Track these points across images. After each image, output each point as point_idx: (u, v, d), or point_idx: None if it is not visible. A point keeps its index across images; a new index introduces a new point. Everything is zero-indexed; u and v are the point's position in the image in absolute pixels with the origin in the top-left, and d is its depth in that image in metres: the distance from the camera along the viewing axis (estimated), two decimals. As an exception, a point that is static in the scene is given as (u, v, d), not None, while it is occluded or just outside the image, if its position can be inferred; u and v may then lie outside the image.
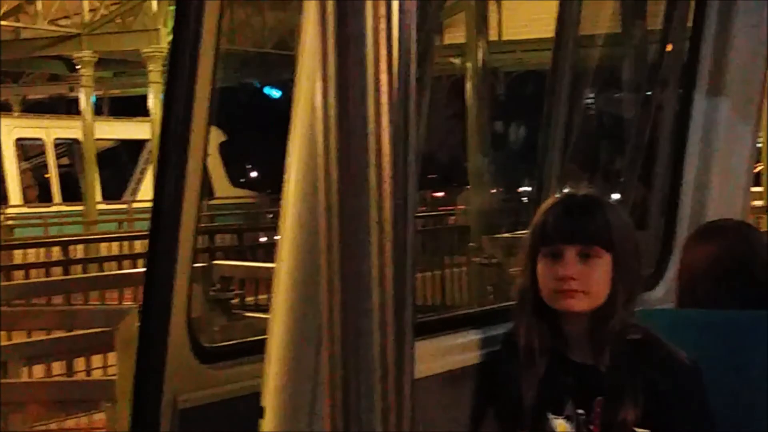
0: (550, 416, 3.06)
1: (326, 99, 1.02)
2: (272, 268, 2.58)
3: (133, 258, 13.67)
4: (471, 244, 12.18)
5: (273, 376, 2.49)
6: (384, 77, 1.02)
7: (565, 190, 3.19)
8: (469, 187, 15.77)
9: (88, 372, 6.57)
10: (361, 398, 1.05)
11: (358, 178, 1.03)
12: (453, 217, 19.64)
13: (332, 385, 1.04)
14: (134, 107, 28.90)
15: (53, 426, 5.60)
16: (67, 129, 27.37)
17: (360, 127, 1.03)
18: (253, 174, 40.29)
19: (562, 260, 2.97)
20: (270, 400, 2.49)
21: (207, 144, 2.87)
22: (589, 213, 3.01)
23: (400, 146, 1.06)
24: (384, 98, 1.02)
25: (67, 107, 31.62)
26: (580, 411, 3.04)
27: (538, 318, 3.06)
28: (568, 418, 3.05)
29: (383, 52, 1.01)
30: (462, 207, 18.40)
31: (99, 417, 5.30)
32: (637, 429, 3.01)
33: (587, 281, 2.97)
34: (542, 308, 3.05)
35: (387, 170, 1.04)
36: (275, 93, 32.63)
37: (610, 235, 2.98)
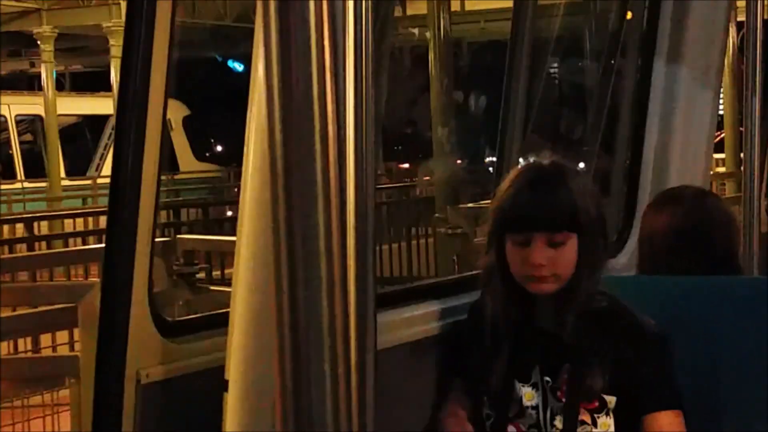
0: (517, 384, 3.08)
1: (269, 71, 1.02)
2: (235, 241, 2.57)
3: (99, 233, 13.59)
4: (436, 214, 12.20)
5: (237, 349, 2.49)
6: (327, 51, 1.02)
7: (531, 159, 3.18)
8: (433, 158, 15.76)
9: (54, 348, 6.55)
10: (312, 370, 1.05)
11: (304, 151, 1.03)
12: (418, 189, 19.63)
13: (281, 355, 1.04)
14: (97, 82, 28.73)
15: (18, 403, 5.58)
16: (29, 105, 27.14)
17: (304, 101, 1.02)
18: (218, 148, 40.12)
19: (530, 247, 2.98)
20: (234, 374, 2.49)
21: (165, 117, 2.85)
22: (555, 195, 3.00)
23: (356, 117, 1.06)
24: (328, 69, 1.02)
25: (29, 83, 31.36)
26: (548, 378, 3.05)
27: (506, 291, 3.08)
28: (534, 386, 3.07)
29: (327, 28, 1.01)
30: (427, 179, 18.40)
31: (64, 394, 5.28)
32: (604, 396, 3.03)
33: (556, 266, 2.99)
34: (510, 283, 3.06)
35: (332, 142, 1.04)
36: (238, 67, 32.48)
37: (577, 217, 2.98)
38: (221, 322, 2.68)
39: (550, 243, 2.98)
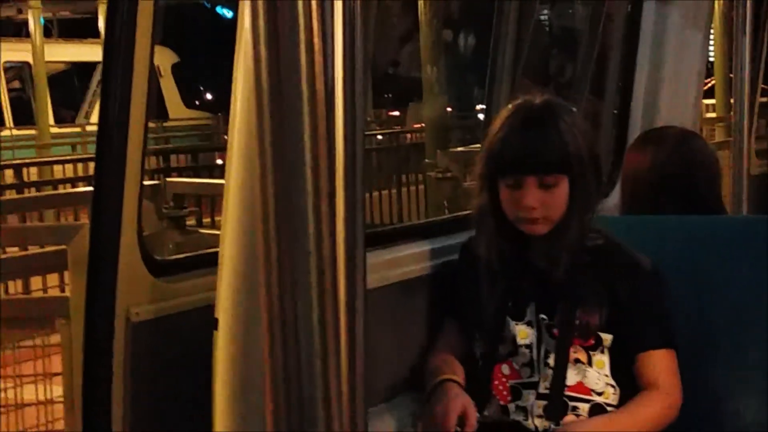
0: (511, 322, 3.08)
1: (255, 14, 1.01)
2: (222, 184, 2.57)
3: (88, 180, 13.57)
4: (426, 159, 12.22)
5: (226, 288, 2.49)
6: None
7: (523, 98, 3.16)
8: (424, 103, 15.70)
9: (45, 290, 6.56)
10: (300, 309, 1.05)
11: (291, 96, 1.03)
12: (409, 135, 19.62)
13: (268, 295, 1.04)
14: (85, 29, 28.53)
15: (9, 346, 5.59)
16: (17, 52, 26.95)
17: (291, 46, 1.02)
18: (208, 95, 39.95)
19: (522, 190, 2.98)
20: (224, 312, 2.49)
21: (152, 63, 2.84)
22: (545, 138, 2.99)
23: (345, 60, 1.06)
24: (315, 12, 1.02)
25: (16, 30, 31.14)
26: (543, 316, 3.06)
27: (499, 231, 3.08)
28: (529, 324, 3.07)
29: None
30: (418, 126, 18.37)
31: (56, 339, 5.29)
32: (600, 333, 3.04)
33: (548, 208, 2.99)
34: (503, 223, 3.07)
35: (320, 85, 1.03)
36: (228, 13, 32.29)
37: (568, 159, 2.97)
38: (211, 261, 2.68)
39: (542, 185, 2.99)
